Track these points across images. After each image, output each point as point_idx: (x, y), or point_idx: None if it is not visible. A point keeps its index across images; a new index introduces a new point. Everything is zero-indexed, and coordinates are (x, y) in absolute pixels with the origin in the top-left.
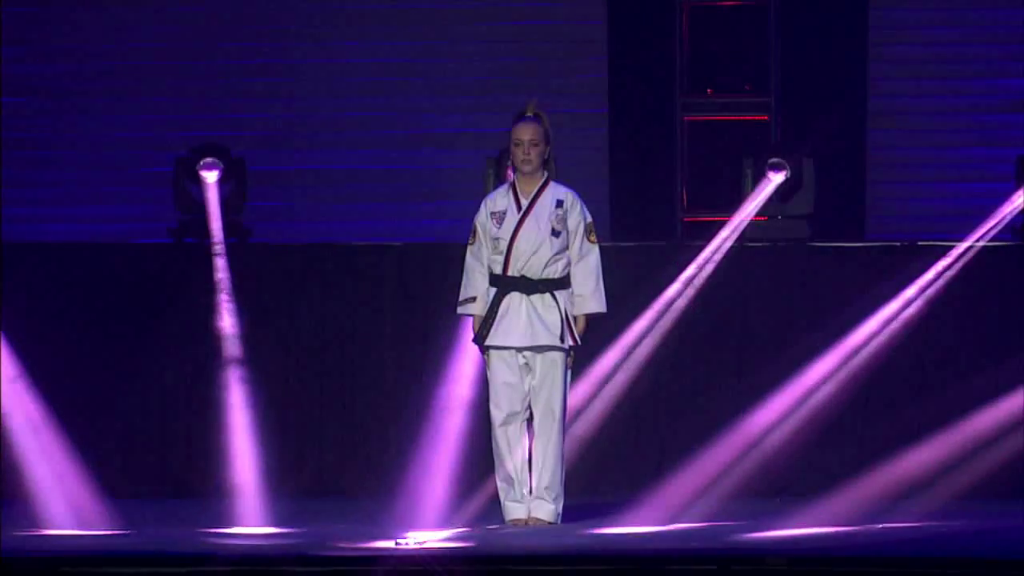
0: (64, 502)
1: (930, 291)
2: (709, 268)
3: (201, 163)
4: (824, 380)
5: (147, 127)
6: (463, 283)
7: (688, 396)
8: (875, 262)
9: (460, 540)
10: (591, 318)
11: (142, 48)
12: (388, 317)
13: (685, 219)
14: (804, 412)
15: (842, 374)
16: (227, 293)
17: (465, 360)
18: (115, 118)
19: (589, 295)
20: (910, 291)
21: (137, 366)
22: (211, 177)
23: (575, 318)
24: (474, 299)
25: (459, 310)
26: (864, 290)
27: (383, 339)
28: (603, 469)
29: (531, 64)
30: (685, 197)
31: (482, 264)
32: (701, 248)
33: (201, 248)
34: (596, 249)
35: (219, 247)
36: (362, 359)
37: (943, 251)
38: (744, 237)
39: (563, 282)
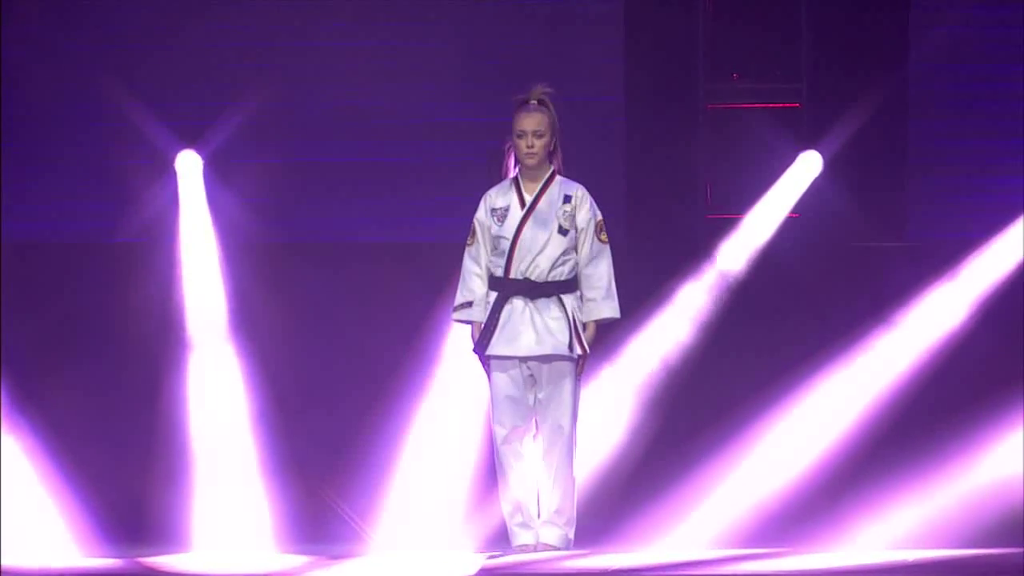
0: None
1: (979, 293)
2: (735, 271)
3: (179, 156)
4: (863, 392)
5: (120, 117)
6: (459, 286)
7: (713, 412)
8: (919, 263)
9: (462, 568)
10: (603, 325)
11: (115, 31)
12: (381, 323)
13: (708, 216)
14: (842, 426)
15: (883, 385)
16: (207, 295)
17: (465, 370)
18: (86, 108)
19: (600, 299)
20: (957, 293)
21: (106, 370)
22: (190, 171)
23: (584, 325)
24: (471, 304)
25: (454, 316)
26: (907, 293)
27: (375, 347)
28: (619, 490)
29: (539, 47)
30: (709, 193)
31: (480, 266)
32: (726, 249)
33: (178, 247)
34: (607, 249)
35: (199, 246)
36: (353, 367)
37: (993, 250)
38: (774, 237)
39: (570, 285)
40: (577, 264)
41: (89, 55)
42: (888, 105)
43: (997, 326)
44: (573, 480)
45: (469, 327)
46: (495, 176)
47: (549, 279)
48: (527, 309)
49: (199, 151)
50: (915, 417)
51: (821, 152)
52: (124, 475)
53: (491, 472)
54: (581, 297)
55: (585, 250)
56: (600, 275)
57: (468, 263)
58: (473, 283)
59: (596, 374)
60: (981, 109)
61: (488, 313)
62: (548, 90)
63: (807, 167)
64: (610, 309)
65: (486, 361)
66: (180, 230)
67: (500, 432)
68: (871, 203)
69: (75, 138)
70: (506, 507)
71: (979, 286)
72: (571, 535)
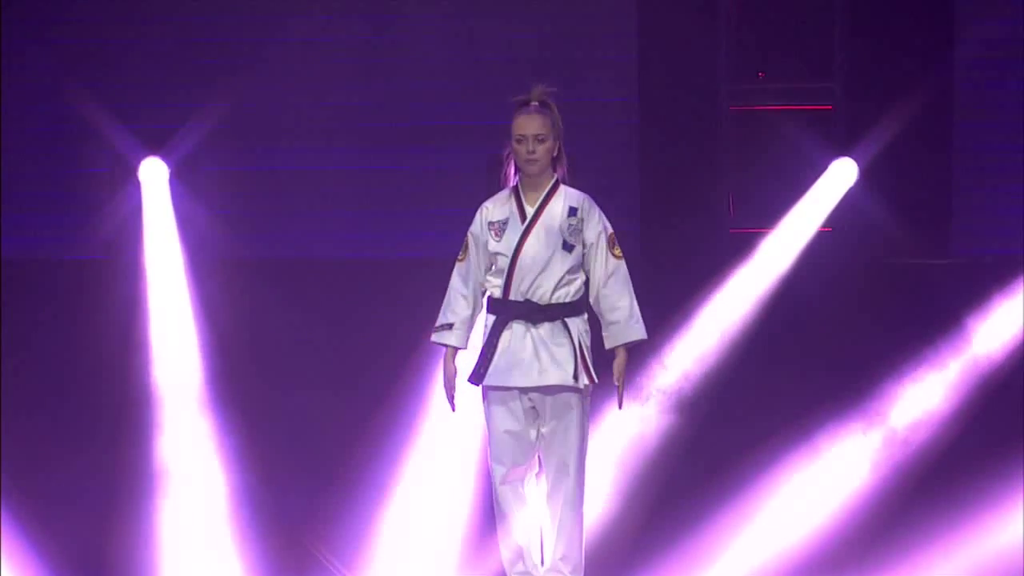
0: None
1: None
2: (761, 291)
3: (143, 163)
4: (903, 426)
5: (76, 119)
6: (443, 306)
7: (735, 448)
8: (964, 281)
9: None
10: (632, 348)
11: (71, 24)
12: (368, 348)
13: (732, 231)
14: (876, 464)
15: (925, 416)
16: (174, 316)
17: (461, 401)
18: (39, 109)
19: (625, 321)
20: (1006, 315)
21: (64, 401)
22: (155, 180)
23: (614, 351)
24: (451, 326)
25: (433, 338)
26: (951, 315)
27: (361, 375)
28: (631, 535)
29: (545, 43)
30: (731, 204)
31: (468, 286)
32: (751, 267)
33: (142, 265)
34: (623, 264)
35: (165, 263)
36: (336, 398)
37: None
38: (804, 253)
39: (576, 307)
40: (583, 284)
41: (41, 51)
42: (931, 107)
43: None
44: (580, 524)
45: (446, 350)
46: (495, 186)
47: (552, 301)
48: (528, 335)
49: (165, 158)
50: (962, 452)
51: (856, 159)
52: (85, 519)
53: (489, 514)
54: (602, 321)
55: (599, 268)
56: (620, 294)
57: (455, 281)
58: (457, 304)
59: (606, 406)
60: None
61: (485, 338)
62: (551, 90)
63: (841, 176)
64: (637, 331)
65: (484, 392)
66: (144, 246)
67: (498, 471)
68: (911, 215)
69: (24, 142)
70: (506, 553)
71: None
72: None
